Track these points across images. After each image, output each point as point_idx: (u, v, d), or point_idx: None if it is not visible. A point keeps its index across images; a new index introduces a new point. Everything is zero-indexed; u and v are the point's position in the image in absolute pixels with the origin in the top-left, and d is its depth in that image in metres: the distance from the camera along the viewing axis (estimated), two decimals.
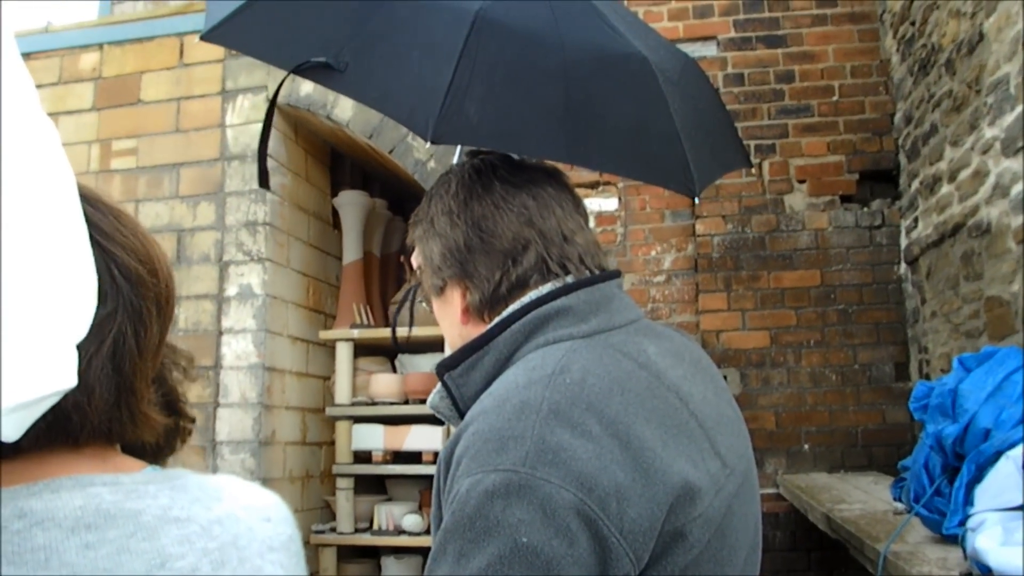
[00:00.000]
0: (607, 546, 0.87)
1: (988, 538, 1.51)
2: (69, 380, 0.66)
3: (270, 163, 3.28)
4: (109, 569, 0.71)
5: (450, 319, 1.23)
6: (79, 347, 0.70)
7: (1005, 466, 1.72)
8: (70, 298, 0.67)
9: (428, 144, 1.24)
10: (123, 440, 0.86)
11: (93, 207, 0.83)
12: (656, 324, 1.22)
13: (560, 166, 1.26)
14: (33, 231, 0.65)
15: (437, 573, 0.90)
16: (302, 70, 1.30)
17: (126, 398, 0.82)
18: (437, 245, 1.20)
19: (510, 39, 1.29)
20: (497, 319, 1.13)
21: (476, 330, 1.16)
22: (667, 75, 1.43)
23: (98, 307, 0.75)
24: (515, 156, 1.24)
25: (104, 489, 0.75)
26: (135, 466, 0.84)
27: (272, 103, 1.55)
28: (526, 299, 1.13)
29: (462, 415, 1.10)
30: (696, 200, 1.46)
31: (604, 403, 0.96)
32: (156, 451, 1.65)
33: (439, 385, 1.16)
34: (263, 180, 1.50)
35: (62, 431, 0.77)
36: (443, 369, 1.14)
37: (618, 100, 1.37)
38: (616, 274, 1.20)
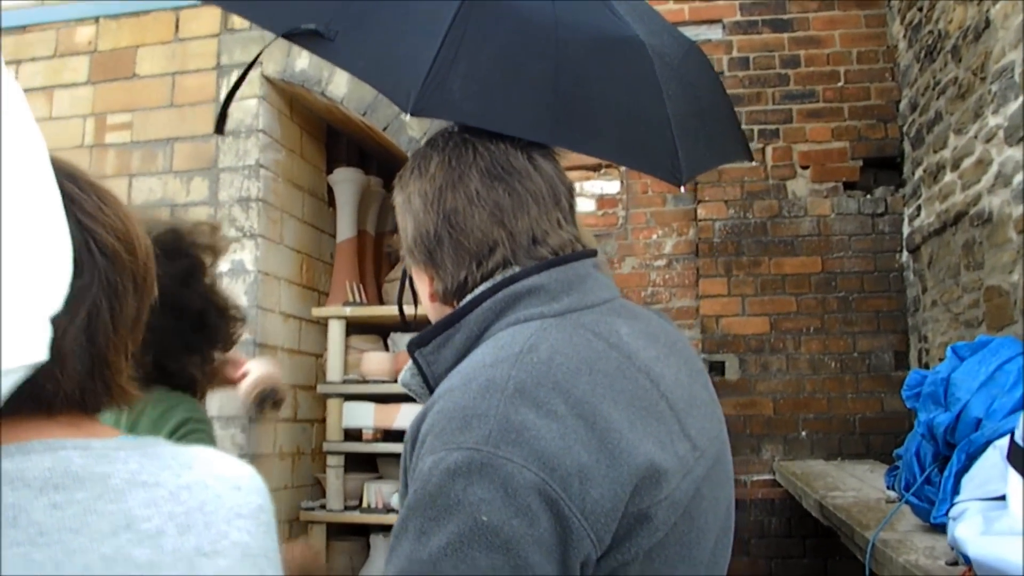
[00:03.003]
0: (568, 527, 0.86)
1: (968, 527, 1.50)
2: (40, 353, 0.67)
3: (263, 138, 3.26)
4: (75, 528, 0.73)
5: (422, 294, 1.22)
6: (54, 319, 0.73)
7: (991, 455, 1.70)
8: (43, 272, 0.68)
9: (407, 116, 1.22)
10: (99, 410, 0.88)
11: (75, 184, 0.85)
12: (633, 305, 1.20)
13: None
14: (3, 205, 0.65)
15: (398, 550, 0.89)
16: (291, 35, 1.29)
17: (100, 370, 0.84)
18: (411, 225, 1.18)
19: (502, 16, 1.27)
20: (469, 296, 1.11)
21: (446, 310, 1.16)
22: (666, 60, 1.41)
23: (75, 280, 0.77)
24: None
25: (74, 453, 0.77)
26: (109, 433, 0.85)
27: (253, 61, 1.53)
28: (498, 277, 1.11)
29: (432, 392, 1.08)
30: (682, 188, 1.44)
31: (571, 383, 0.94)
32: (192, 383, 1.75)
33: (410, 362, 1.15)
34: (219, 126, 1.51)
35: (35, 398, 0.79)
36: (414, 346, 1.12)
37: (610, 84, 1.34)
38: (592, 253, 1.18)
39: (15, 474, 0.74)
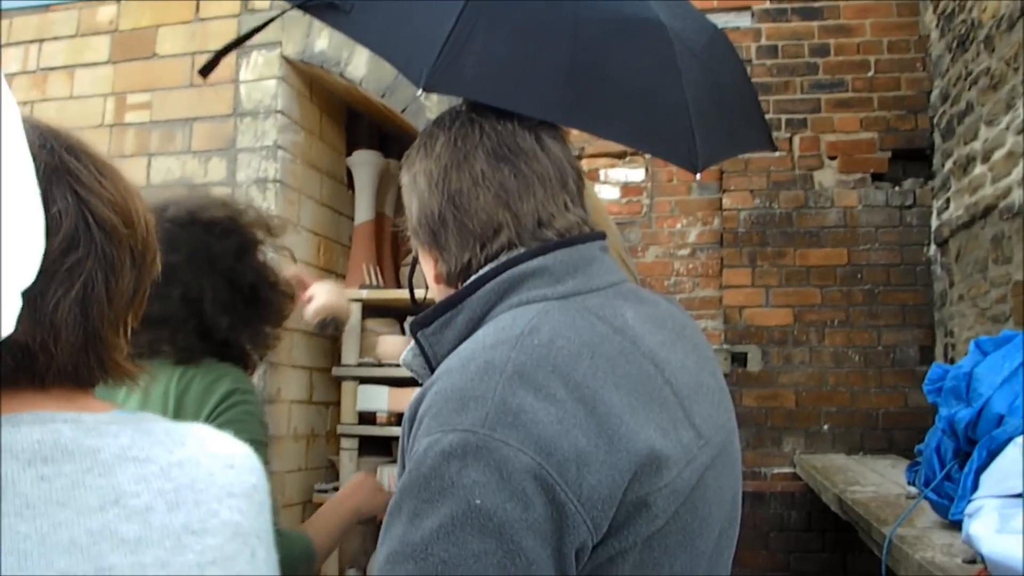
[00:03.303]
0: (564, 512, 0.84)
1: (983, 524, 1.46)
2: (7, 327, 0.65)
3: (282, 119, 3.25)
4: (63, 501, 0.73)
5: (427, 274, 1.21)
6: (45, 291, 0.75)
7: (1012, 452, 1.66)
8: (11, 245, 0.66)
9: (422, 95, 1.21)
10: (93, 385, 0.87)
11: (74, 156, 0.84)
12: (641, 289, 1.17)
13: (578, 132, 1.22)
14: None
15: (391, 532, 0.88)
16: (307, 6, 1.28)
17: (93, 344, 0.83)
18: (415, 205, 1.17)
19: None
20: (472, 278, 1.09)
21: (450, 291, 1.14)
22: (687, 45, 1.38)
23: (70, 253, 0.79)
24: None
25: (64, 426, 0.77)
26: (103, 407, 0.84)
27: (265, 24, 1.51)
28: (503, 258, 1.09)
29: (433, 373, 1.07)
30: (697, 176, 1.41)
31: (571, 366, 0.92)
32: (243, 356, 1.80)
33: (412, 342, 1.13)
34: (205, 69, 1.50)
35: (28, 371, 0.79)
36: (416, 327, 1.11)
37: (627, 66, 1.31)
38: (599, 235, 1.15)
39: (3, 445, 0.73)
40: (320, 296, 2.22)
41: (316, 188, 3.55)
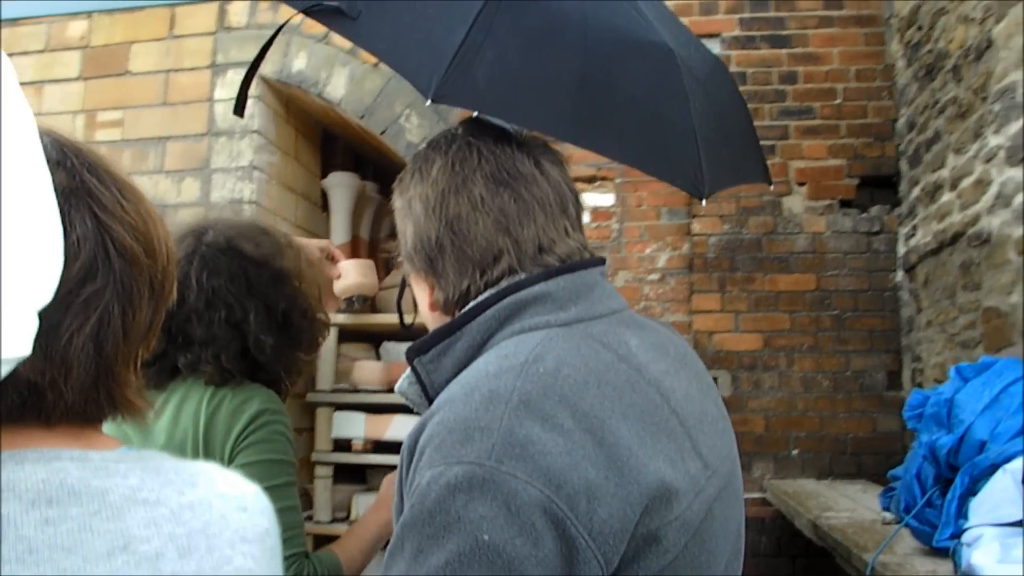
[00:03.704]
0: (574, 547, 0.82)
1: (985, 554, 1.46)
2: (24, 348, 0.62)
3: (258, 139, 3.21)
4: (68, 547, 0.68)
5: (421, 302, 1.18)
6: (59, 324, 0.71)
7: (1002, 480, 1.66)
8: (30, 264, 0.63)
9: (428, 102, 1.19)
10: (101, 421, 0.83)
11: (96, 177, 0.81)
12: (641, 316, 1.16)
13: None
14: None
15: (393, 570, 0.85)
16: (312, 11, 1.26)
17: (105, 380, 0.80)
18: (411, 230, 1.14)
19: (530, 8, 1.24)
20: (472, 303, 1.07)
21: (446, 319, 1.12)
22: (693, 72, 1.38)
23: (87, 283, 0.75)
24: (512, 132, 1.17)
25: (71, 464, 0.73)
26: (110, 443, 0.81)
27: (276, 33, 1.50)
28: (504, 284, 1.07)
29: (431, 402, 1.04)
30: (703, 202, 1.41)
31: (578, 395, 0.90)
32: (277, 379, 1.82)
33: (408, 370, 1.10)
34: (239, 108, 1.50)
35: (35, 408, 0.75)
36: (413, 353, 1.08)
37: (637, 87, 1.31)
38: (600, 261, 1.14)
39: (5, 484, 0.69)
40: (349, 274, 2.30)
41: (291, 210, 3.51)
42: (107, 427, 0.85)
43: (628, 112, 1.30)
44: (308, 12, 1.26)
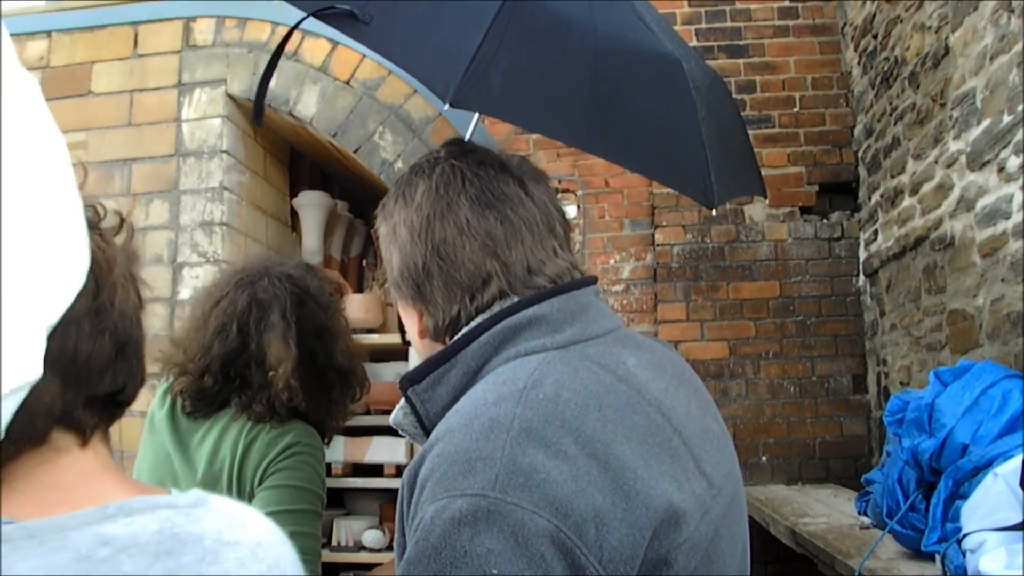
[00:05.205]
0: None
1: (992, 560, 1.48)
2: (35, 370, 0.61)
3: (227, 159, 3.16)
4: None
5: (411, 329, 1.15)
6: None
7: (994, 484, 1.68)
8: (43, 280, 0.61)
9: (446, 107, 1.18)
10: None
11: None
12: (636, 334, 1.15)
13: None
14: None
15: None
16: (323, 15, 1.24)
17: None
18: (396, 257, 1.12)
19: (543, 17, 1.24)
20: (465, 329, 1.05)
21: (436, 346, 1.09)
22: (697, 84, 1.39)
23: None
24: (492, 152, 1.16)
25: (170, 512, 0.73)
26: (152, 490, 0.81)
27: (290, 32, 1.48)
28: (496, 308, 1.05)
29: (428, 432, 1.02)
30: (714, 212, 1.41)
31: (580, 420, 0.88)
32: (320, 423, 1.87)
33: (402, 401, 1.08)
34: (257, 116, 1.54)
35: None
36: (407, 383, 1.05)
37: (647, 97, 1.32)
38: (592, 280, 1.12)
39: (128, 540, 0.68)
40: (354, 309, 2.44)
41: (262, 230, 3.45)
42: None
43: (639, 122, 1.31)
44: (319, 15, 1.24)
